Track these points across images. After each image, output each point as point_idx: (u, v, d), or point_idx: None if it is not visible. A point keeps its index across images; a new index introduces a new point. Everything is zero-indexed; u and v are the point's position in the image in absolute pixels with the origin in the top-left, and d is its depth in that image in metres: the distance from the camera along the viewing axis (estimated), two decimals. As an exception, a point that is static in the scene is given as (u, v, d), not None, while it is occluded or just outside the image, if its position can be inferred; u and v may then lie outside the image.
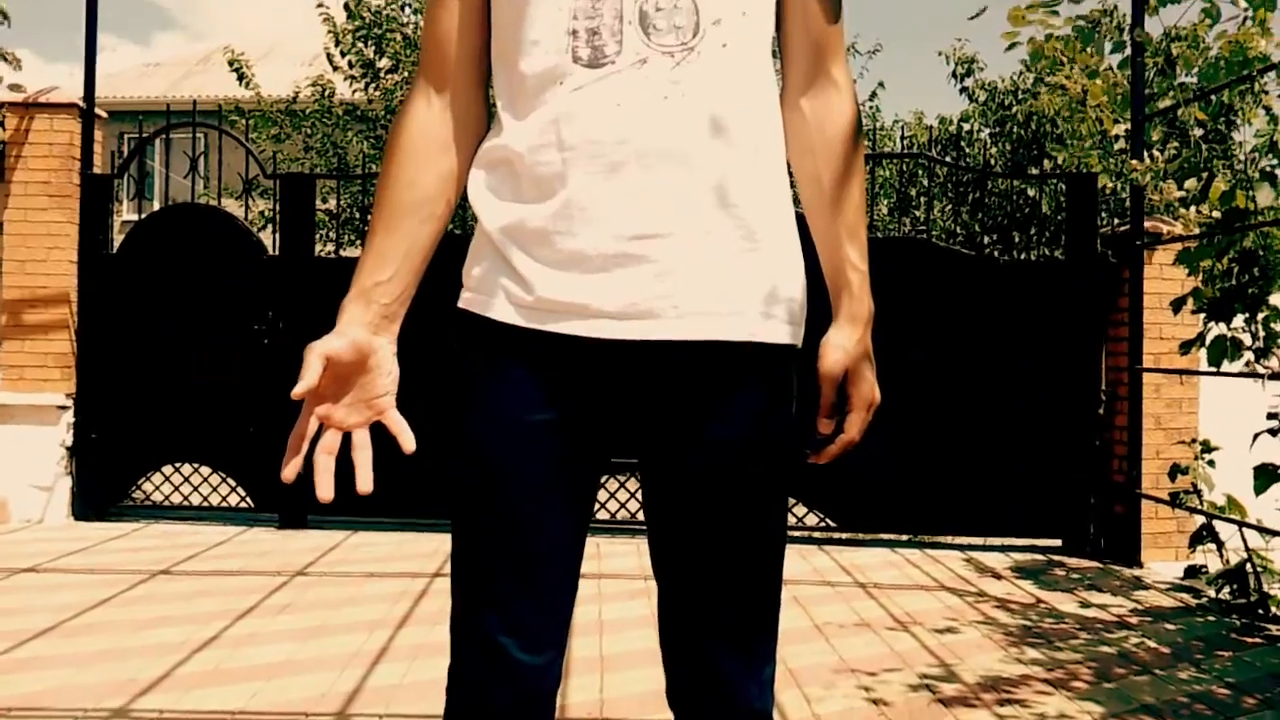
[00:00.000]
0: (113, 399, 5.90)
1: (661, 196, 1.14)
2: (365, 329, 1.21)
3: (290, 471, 1.14)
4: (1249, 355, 4.44)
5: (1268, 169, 4.26)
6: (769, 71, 1.25)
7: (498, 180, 1.23)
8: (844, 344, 1.29)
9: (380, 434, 1.21)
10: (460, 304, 1.26)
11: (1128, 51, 5.29)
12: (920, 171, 10.51)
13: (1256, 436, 4.26)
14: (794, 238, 1.26)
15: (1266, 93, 5.35)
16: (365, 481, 1.16)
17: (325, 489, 1.15)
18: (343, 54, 11.30)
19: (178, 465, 6.05)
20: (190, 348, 5.89)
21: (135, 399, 5.89)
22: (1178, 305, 4.66)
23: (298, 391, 1.11)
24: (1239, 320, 4.45)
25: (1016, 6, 4.40)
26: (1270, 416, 4.31)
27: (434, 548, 5.21)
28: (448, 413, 1.26)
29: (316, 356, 1.14)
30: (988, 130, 10.42)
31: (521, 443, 1.18)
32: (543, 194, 1.17)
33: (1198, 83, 5.01)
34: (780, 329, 1.21)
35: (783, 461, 1.26)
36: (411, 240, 1.25)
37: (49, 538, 5.36)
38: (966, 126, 10.36)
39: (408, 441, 1.21)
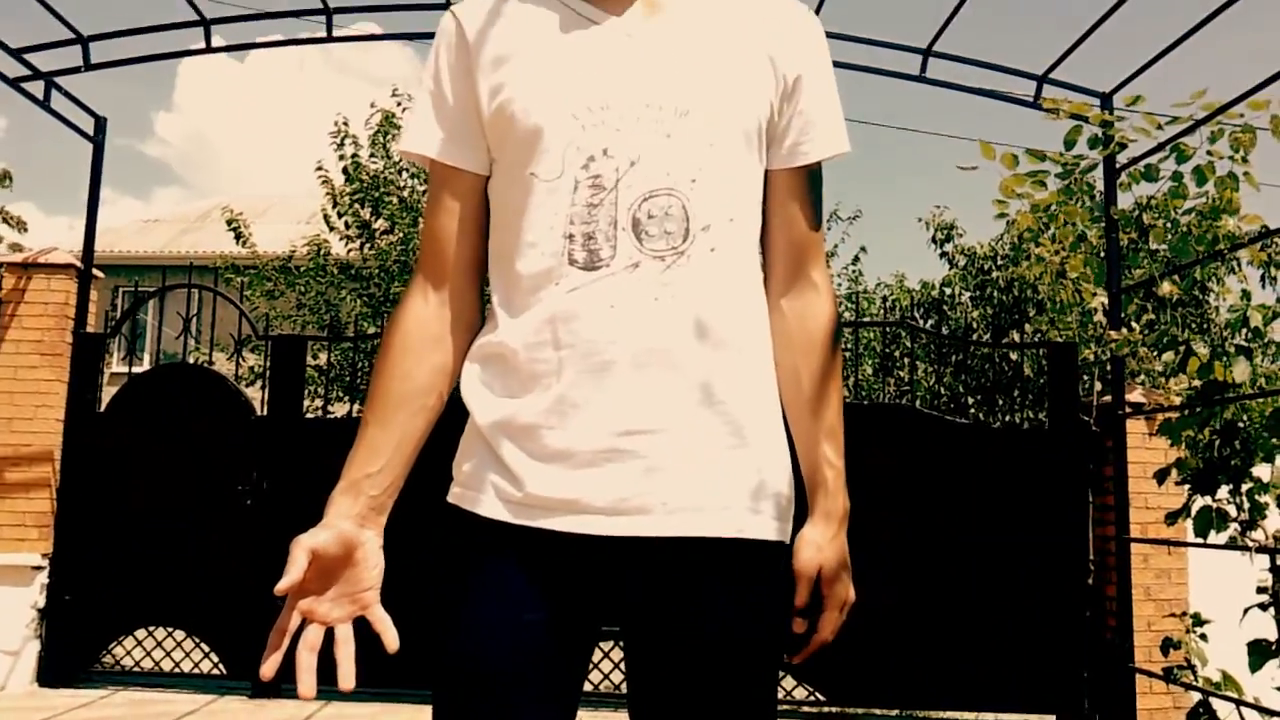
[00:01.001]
0: (89, 559, 5.79)
1: (651, 394, 1.17)
2: (353, 522, 1.21)
3: (269, 668, 1.13)
4: (1235, 527, 4.44)
5: (1243, 343, 4.34)
6: (756, 272, 1.30)
7: (491, 375, 1.26)
8: (818, 541, 1.30)
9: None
10: (450, 499, 1.27)
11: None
12: (904, 333, 10.70)
13: (1246, 611, 4.21)
14: (780, 434, 1.29)
15: (1236, 269, 5.52)
16: (347, 679, 1.14)
17: (307, 688, 1.13)
18: (339, 215, 11.59)
19: (150, 629, 5.89)
20: (172, 508, 5.82)
21: (112, 559, 5.79)
22: (1161, 476, 4.67)
23: (281, 587, 1.11)
24: (1223, 492, 4.46)
25: (1007, 179, 4.56)
26: (1260, 591, 4.27)
27: (411, 719, 5.04)
28: (433, 598, 1.25)
29: (302, 551, 1.14)
30: (969, 294, 10.66)
31: (510, 643, 1.18)
32: (536, 389, 1.19)
33: (1169, 253, 5.17)
34: (768, 525, 1.23)
35: (772, 654, 1.25)
36: (403, 432, 1.27)
37: (12, 707, 5.17)
38: (949, 291, 10.60)
39: (391, 640, 1.19)
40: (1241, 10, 4.22)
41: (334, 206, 11.66)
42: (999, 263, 10.17)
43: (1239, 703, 4.50)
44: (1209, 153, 4.55)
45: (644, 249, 1.18)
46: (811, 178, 1.36)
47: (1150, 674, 5.14)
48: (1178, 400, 4.78)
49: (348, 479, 1.23)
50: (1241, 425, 4.37)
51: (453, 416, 1.30)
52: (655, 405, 1.17)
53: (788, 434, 1.32)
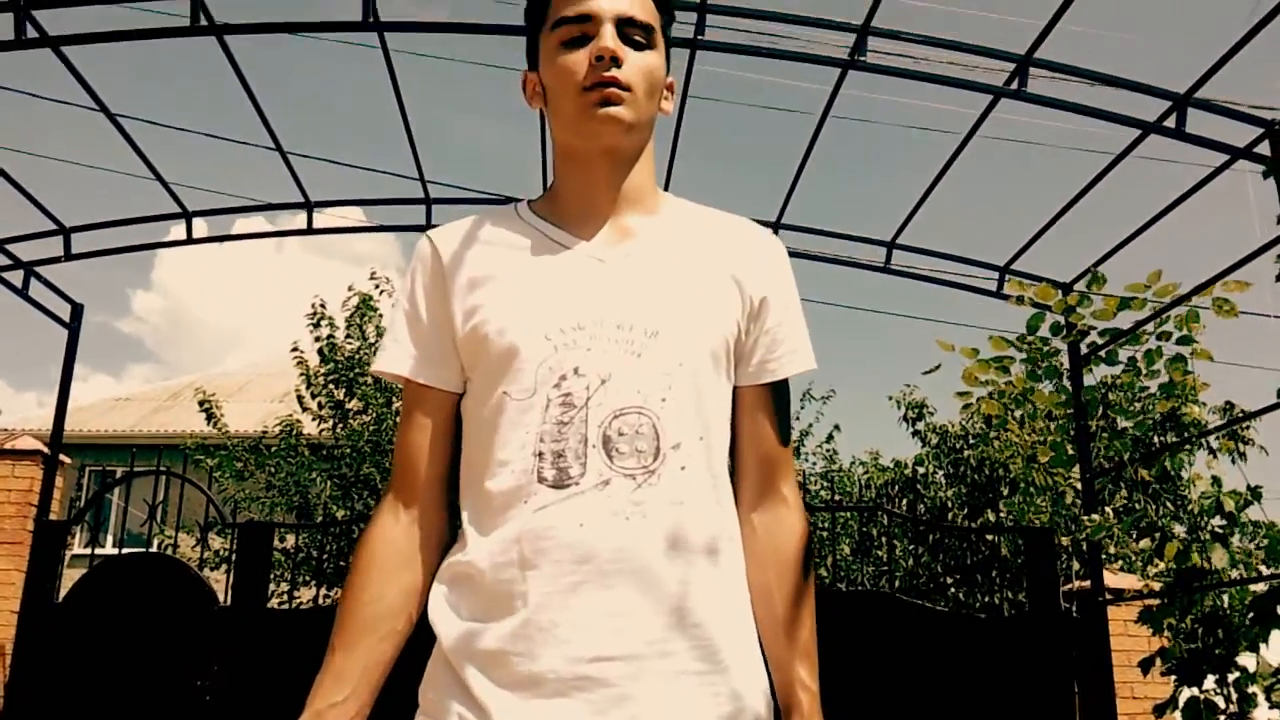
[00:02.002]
0: (34, 760, 5.49)
1: (622, 618, 1.14)
2: None
3: None
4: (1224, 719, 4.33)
5: (1217, 529, 4.34)
6: (726, 489, 1.30)
7: (458, 596, 1.23)
8: None
9: None
10: None
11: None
12: (881, 514, 10.66)
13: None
14: (756, 654, 1.26)
15: (1210, 453, 5.57)
16: None
17: None
18: (313, 395, 11.60)
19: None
20: (128, 704, 5.56)
21: (58, 760, 5.49)
22: (1146, 666, 4.58)
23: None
24: (1210, 681, 4.38)
25: (969, 367, 4.65)
26: (1255, 785, 4.14)
27: None
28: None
29: None
30: (943, 472, 10.70)
31: None
32: (502, 612, 1.17)
33: (1136, 431, 5.22)
34: None
35: None
36: (370, 659, 1.24)
37: None
38: (921, 470, 10.63)
39: None
40: (1201, 200, 4.42)
41: (308, 387, 11.67)
42: (970, 441, 10.25)
43: None
44: (1159, 337, 4.68)
45: (614, 466, 1.18)
46: (778, 394, 1.38)
47: None
48: (1157, 586, 4.74)
49: (312, 709, 1.20)
50: (1223, 613, 4.33)
51: (422, 633, 1.27)
52: (627, 630, 1.14)
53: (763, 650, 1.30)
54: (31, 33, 3.71)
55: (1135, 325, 4.71)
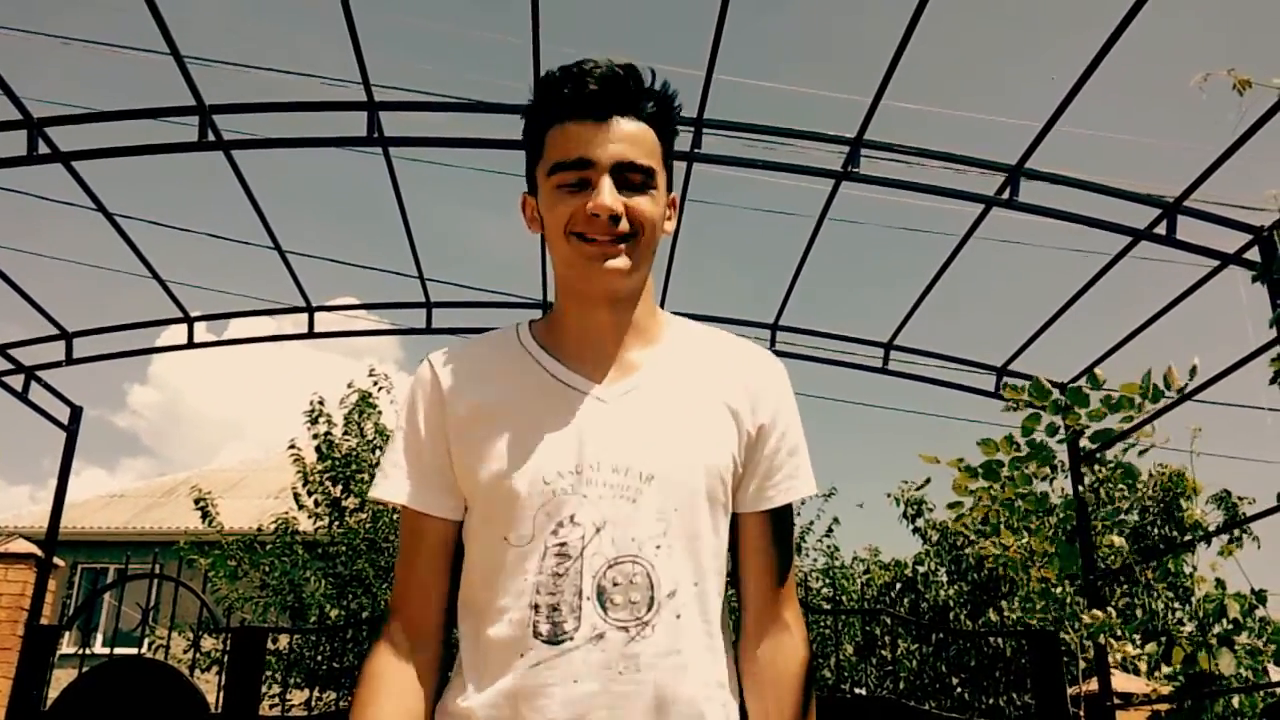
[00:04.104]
0: None
1: None
2: None
3: None
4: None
5: (1224, 633, 4.30)
6: (720, 634, 1.30)
7: None
8: None
9: None
10: None
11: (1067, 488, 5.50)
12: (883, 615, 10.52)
13: None
14: None
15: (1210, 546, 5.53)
16: None
17: None
18: (309, 493, 11.54)
19: None
20: (111, 816, 5.41)
21: None
22: (1160, 776, 4.49)
23: None
24: (1228, 790, 4.29)
25: (957, 478, 4.65)
26: None
27: None
28: None
29: None
30: (944, 570, 10.59)
31: None
32: None
33: (1135, 527, 5.19)
34: None
35: None
36: None
37: None
38: (922, 568, 10.54)
39: None
40: (1196, 300, 4.48)
41: (304, 484, 11.62)
42: (970, 539, 10.18)
43: None
44: (1144, 434, 4.70)
45: (608, 619, 1.19)
46: (779, 520, 1.38)
47: None
48: (1165, 690, 4.66)
49: None
50: (1234, 718, 4.26)
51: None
52: None
53: None
54: (44, 148, 3.80)
55: (1136, 425, 4.72)
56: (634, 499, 1.23)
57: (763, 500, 1.36)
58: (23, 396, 5.53)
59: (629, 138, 1.27)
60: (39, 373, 5.55)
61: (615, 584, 1.20)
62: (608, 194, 1.25)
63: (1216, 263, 4.22)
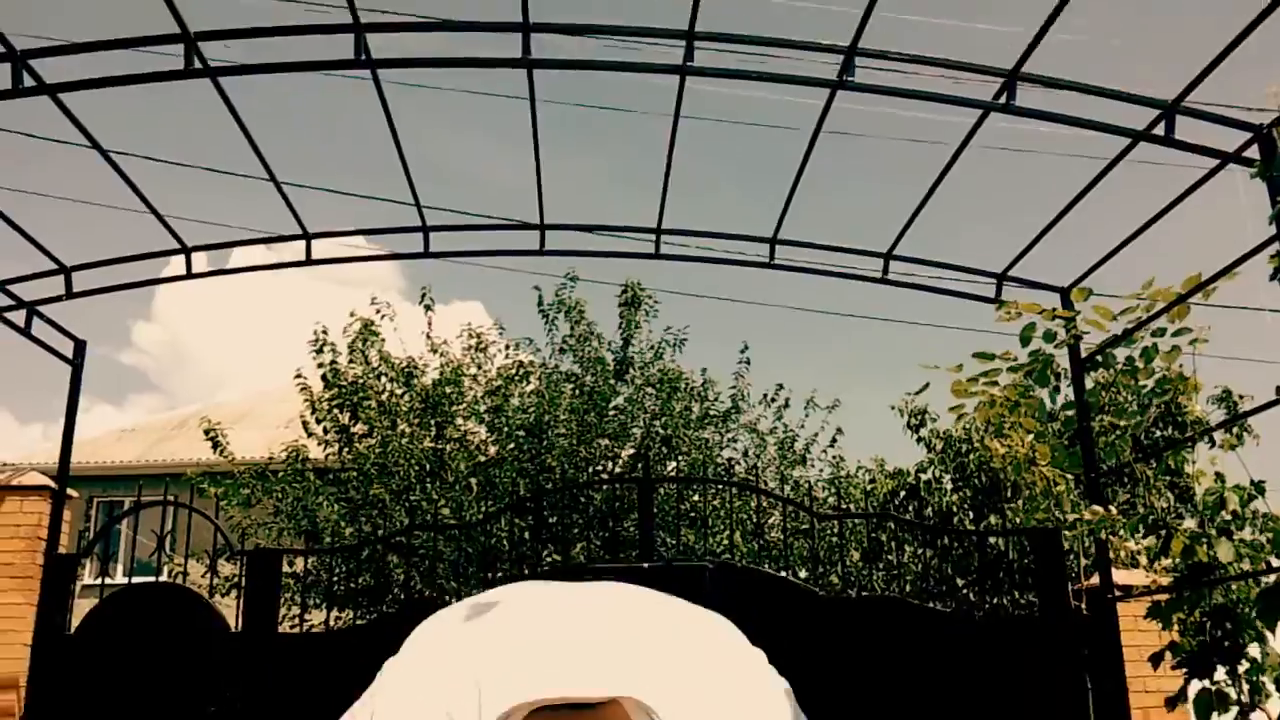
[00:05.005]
0: (52, 795, 5.51)
1: None
2: None
3: None
4: (1236, 710, 4.35)
5: (1223, 523, 4.37)
6: None
7: None
8: None
9: None
10: None
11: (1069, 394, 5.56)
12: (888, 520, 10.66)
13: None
14: None
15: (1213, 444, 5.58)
16: None
17: None
18: (318, 420, 11.63)
19: None
20: (141, 734, 5.59)
21: (76, 794, 5.51)
22: (1156, 660, 4.61)
23: None
24: (1221, 673, 4.40)
25: (959, 381, 4.68)
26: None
27: None
28: None
29: None
30: (949, 476, 10.68)
31: None
32: None
33: (1136, 431, 5.24)
34: None
35: None
36: None
37: None
38: (925, 476, 10.63)
39: None
40: (1195, 202, 4.46)
41: (312, 413, 11.71)
42: (974, 445, 10.26)
43: None
44: (1154, 334, 4.71)
45: None
46: None
47: None
48: (1165, 581, 4.76)
49: None
50: (1231, 606, 4.35)
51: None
52: None
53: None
54: (29, 81, 3.76)
55: (1135, 326, 4.74)
56: None
57: None
58: (25, 332, 5.56)
59: None
60: (40, 308, 5.57)
61: None
62: None
63: (1216, 162, 4.20)
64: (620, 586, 1.68)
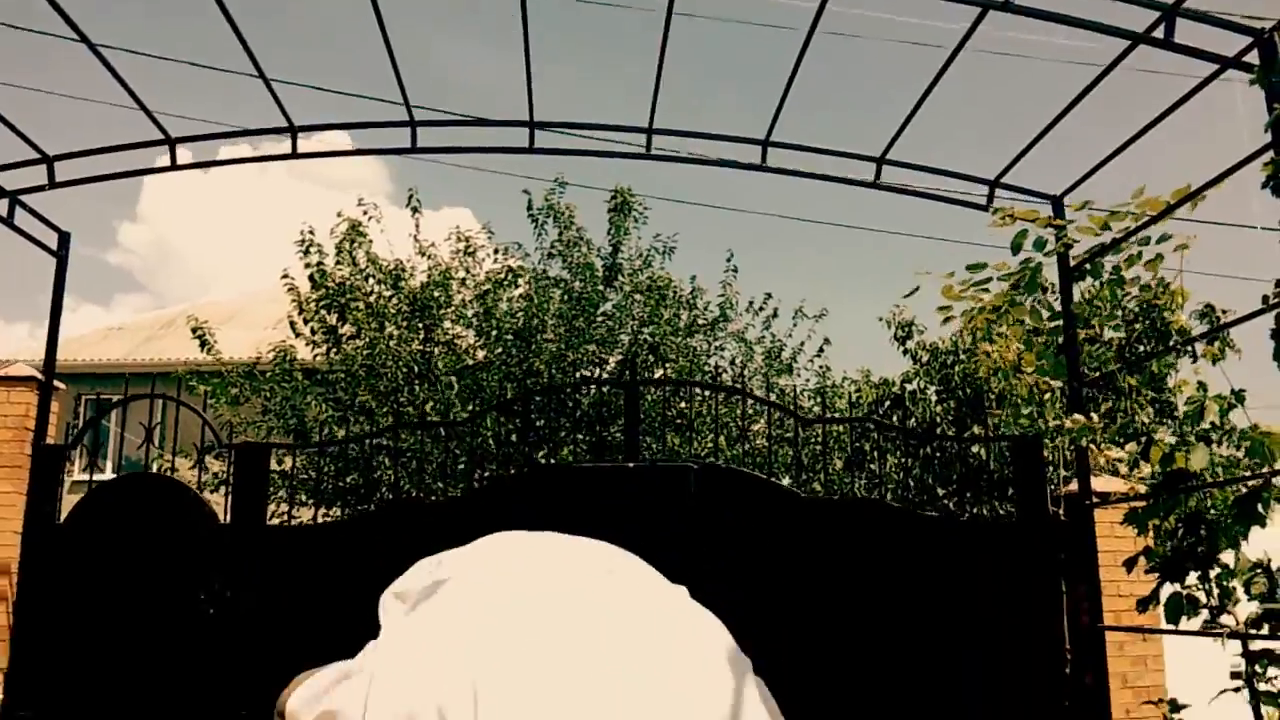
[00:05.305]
0: (47, 674, 5.62)
1: None
2: None
3: None
4: (1206, 613, 4.46)
5: (1202, 432, 4.42)
6: None
7: None
8: None
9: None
10: None
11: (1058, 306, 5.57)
12: (871, 428, 10.76)
13: (1218, 694, 4.23)
14: None
15: (1193, 359, 5.63)
16: None
17: None
18: (305, 321, 11.60)
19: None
20: (133, 619, 5.68)
21: (72, 674, 5.62)
22: (1130, 564, 4.70)
23: None
24: (1192, 578, 4.50)
25: (948, 285, 4.68)
26: (1234, 676, 4.28)
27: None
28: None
29: None
30: (933, 388, 10.77)
31: None
32: None
33: (1121, 340, 5.26)
34: None
35: None
36: None
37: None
38: (910, 386, 10.71)
39: None
40: (1192, 114, 4.40)
41: (300, 313, 11.67)
42: (960, 357, 10.32)
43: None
44: (1141, 243, 4.70)
45: None
46: None
47: (1130, 768, 5.10)
48: (1143, 488, 4.84)
49: None
50: (1208, 514, 4.43)
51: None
52: None
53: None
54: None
55: (1124, 235, 4.73)
56: None
57: None
58: (8, 222, 5.50)
59: None
60: (23, 197, 5.49)
61: None
62: None
63: (1216, 67, 4.14)
64: (620, 581, 1.67)
